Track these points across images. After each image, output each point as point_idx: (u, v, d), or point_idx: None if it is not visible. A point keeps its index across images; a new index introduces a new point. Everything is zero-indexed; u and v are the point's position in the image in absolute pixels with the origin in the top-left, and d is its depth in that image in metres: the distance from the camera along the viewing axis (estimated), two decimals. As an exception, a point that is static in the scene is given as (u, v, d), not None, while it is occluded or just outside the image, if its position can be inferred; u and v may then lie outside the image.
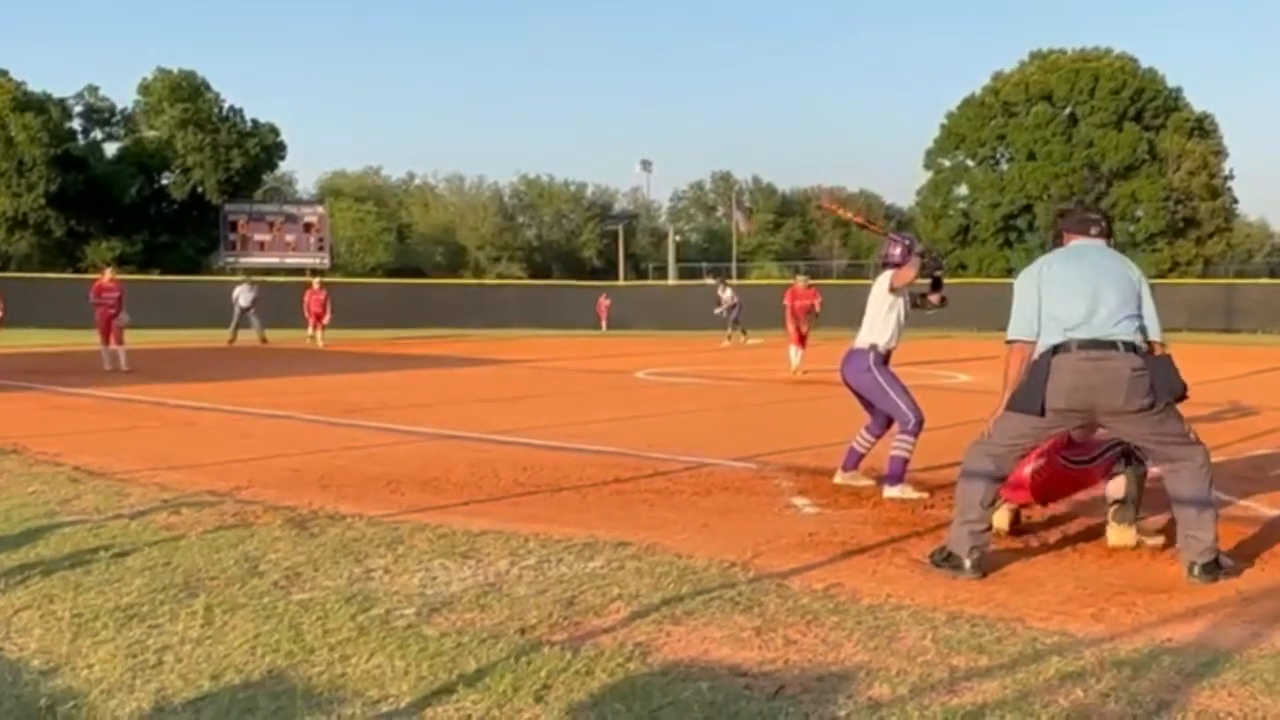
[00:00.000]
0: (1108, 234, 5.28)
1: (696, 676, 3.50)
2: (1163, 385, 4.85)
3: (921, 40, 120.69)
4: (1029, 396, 4.90)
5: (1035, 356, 4.97)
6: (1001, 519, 5.56)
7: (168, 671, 3.57)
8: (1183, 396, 4.95)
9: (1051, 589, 4.62)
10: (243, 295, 29.07)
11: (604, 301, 45.10)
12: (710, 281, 51.00)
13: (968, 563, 4.85)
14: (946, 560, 4.92)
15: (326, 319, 28.79)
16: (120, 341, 18.20)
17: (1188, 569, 4.81)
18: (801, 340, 18.80)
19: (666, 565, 4.90)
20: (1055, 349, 4.88)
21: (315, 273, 42.64)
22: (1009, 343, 5.13)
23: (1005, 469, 5.08)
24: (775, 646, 3.82)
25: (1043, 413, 4.87)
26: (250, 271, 42.28)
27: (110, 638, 3.90)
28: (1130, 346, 4.85)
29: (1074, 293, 4.92)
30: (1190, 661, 3.65)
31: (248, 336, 28.24)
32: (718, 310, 30.27)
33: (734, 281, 40.28)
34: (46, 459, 8.05)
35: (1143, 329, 4.94)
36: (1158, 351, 4.95)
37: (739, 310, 29.92)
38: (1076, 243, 5.21)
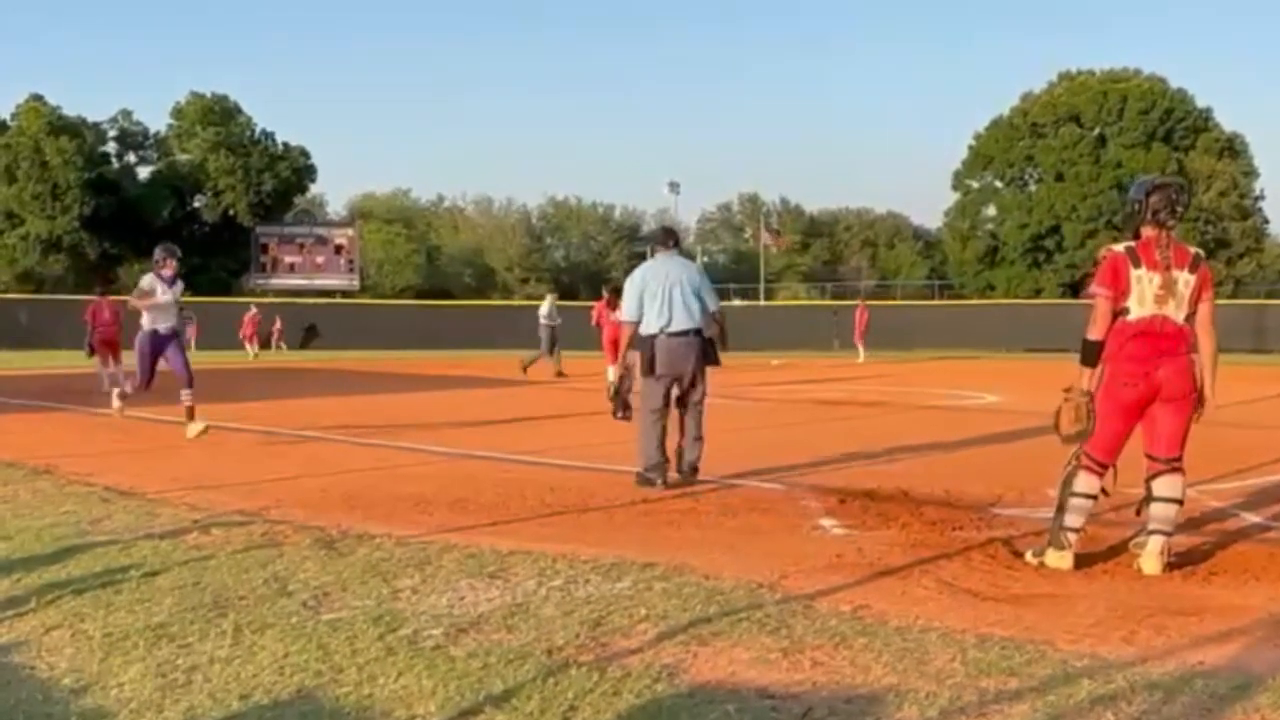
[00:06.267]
0: (677, 244, 8.58)
1: (724, 698, 3.49)
2: (710, 356, 8.05)
3: (950, 61, 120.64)
4: (648, 365, 7.87)
5: (643, 335, 7.89)
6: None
7: (197, 691, 3.59)
8: (716, 361, 8.13)
9: (1082, 611, 4.57)
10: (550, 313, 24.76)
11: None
12: (740, 303, 50.88)
13: (659, 481, 7.78)
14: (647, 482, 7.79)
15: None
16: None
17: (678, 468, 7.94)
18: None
19: (693, 586, 4.89)
20: (653, 335, 7.84)
21: (345, 294, 42.96)
22: (626, 322, 8.07)
23: (665, 419, 7.96)
24: (803, 668, 3.80)
25: (657, 376, 7.88)
26: (281, 293, 42.46)
27: (140, 657, 3.93)
28: (697, 331, 7.91)
29: (666, 298, 7.84)
30: (1223, 685, 3.60)
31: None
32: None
33: (762, 302, 39.73)
34: (78, 479, 8.13)
35: (704, 310, 7.95)
36: (717, 322, 8.13)
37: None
38: (664, 255, 8.25)
